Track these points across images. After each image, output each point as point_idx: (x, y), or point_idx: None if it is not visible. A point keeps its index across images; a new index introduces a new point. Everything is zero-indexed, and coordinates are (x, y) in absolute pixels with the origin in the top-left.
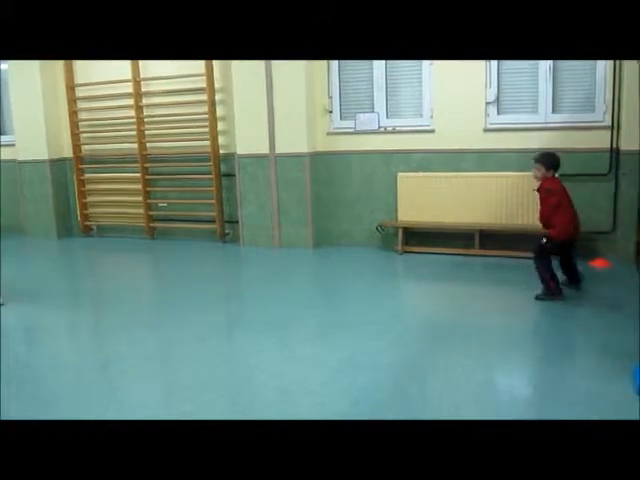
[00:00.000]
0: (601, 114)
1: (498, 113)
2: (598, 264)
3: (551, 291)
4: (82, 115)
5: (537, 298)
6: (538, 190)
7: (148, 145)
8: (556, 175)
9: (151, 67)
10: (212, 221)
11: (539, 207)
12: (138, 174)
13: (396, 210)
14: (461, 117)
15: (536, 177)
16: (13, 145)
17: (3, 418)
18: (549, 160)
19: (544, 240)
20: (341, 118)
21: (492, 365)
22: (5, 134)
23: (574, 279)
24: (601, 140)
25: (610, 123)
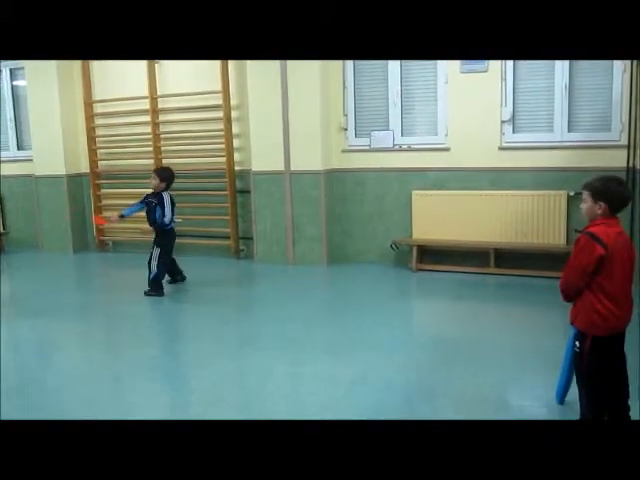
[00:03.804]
0: (617, 133)
1: (513, 132)
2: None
3: None
4: (99, 131)
5: None
6: (579, 236)
7: (164, 161)
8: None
9: (168, 84)
10: (227, 237)
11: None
12: None
13: (411, 228)
14: (476, 135)
15: (588, 215)
16: (30, 160)
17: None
18: (598, 188)
19: (577, 343)
20: (356, 136)
21: (506, 385)
22: (23, 149)
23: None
24: (617, 159)
25: (627, 142)
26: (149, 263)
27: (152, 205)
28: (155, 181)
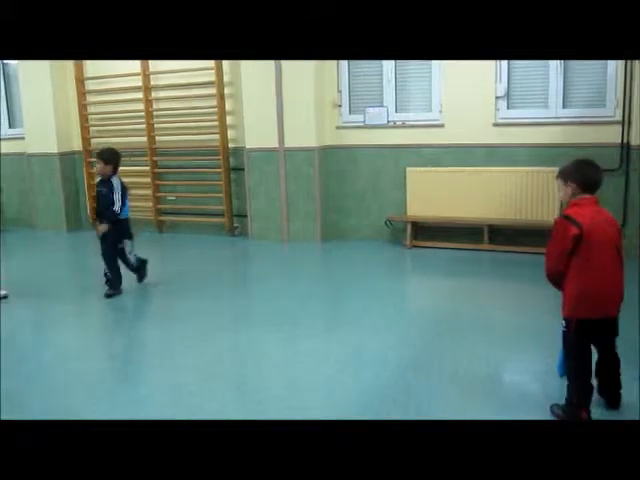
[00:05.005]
0: (612, 109)
1: (508, 108)
2: None
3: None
4: (91, 108)
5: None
6: (555, 219)
7: (157, 139)
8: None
9: (160, 61)
10: (221, 215)
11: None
12: (147, 167)
13: (405, 205)
14: (471, 112)
15: (564, 200)
16: (23, 138)
17: (6, 416)
18: (566, 170)
19: (563, 322)
20: (350, 112)
21: (501, 360)
22: (15, 127)
23: (612, 396)
24: (612, 135)
25: (621, 118)
26: (125, 260)
27: (102, 194)
28: (99, 165)
